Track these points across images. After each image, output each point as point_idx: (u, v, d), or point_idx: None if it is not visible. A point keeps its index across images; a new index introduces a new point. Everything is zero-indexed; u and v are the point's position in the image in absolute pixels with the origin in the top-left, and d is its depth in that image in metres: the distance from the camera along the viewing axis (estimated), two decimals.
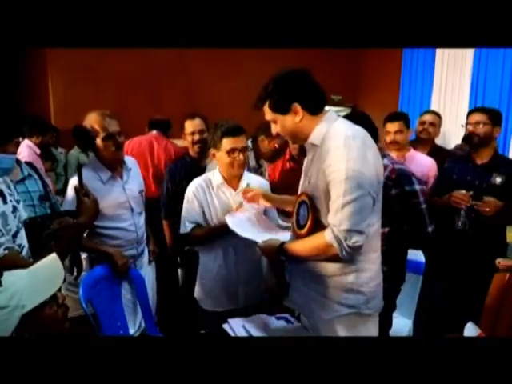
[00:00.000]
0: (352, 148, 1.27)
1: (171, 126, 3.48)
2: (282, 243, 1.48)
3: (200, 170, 2.47)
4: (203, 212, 1.90)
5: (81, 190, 1.66)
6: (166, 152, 3.14)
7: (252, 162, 2.46)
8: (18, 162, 1.92)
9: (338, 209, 1.27)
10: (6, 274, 1.01)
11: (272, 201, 1.85)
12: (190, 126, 2.51)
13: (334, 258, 1.34)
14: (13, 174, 1.85)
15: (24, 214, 1.61)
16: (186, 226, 1.90)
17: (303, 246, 1.43)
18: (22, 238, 1.50)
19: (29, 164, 2.02)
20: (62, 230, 1.62)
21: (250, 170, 2.41)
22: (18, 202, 1.58)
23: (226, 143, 1.80)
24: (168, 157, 3.12)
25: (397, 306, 2.37)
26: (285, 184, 2.54)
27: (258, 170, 2.52)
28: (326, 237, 1.30)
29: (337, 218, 1.28)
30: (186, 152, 2.61)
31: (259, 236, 1.63)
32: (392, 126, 2.59)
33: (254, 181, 1.98)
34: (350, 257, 1.31)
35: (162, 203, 2.49)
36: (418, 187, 1.86)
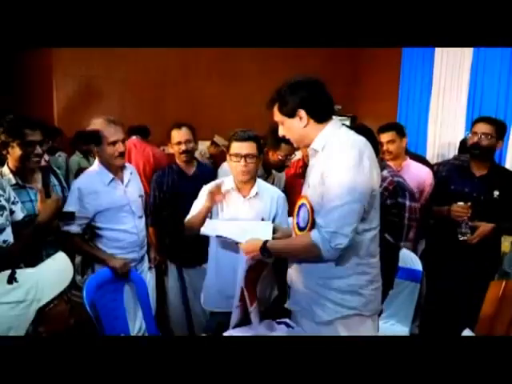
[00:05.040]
0: (348, 156, 1.33)
1: (150, 132, 3.84)
2: (266, 241, 1.51)
3: (187, 178, 2.53)
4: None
5: (43, 190, 1.73)
6: (145, 156, 3.32)
7: (260, 171, 2.52)
8: (41, 168, 2.00)
9: (327, 211, 1.34)
10: (20, 271, 1.07)
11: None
12: (177, 136, 2.50)
13: (334, 261, 1.40)
14: (34, 181, 1.95)
15: (20, 214, 1.70)
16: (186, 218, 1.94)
17: (288, 245, 1.50)
18: (8, 235, 1.59)
19: (51, 169, 2.09)
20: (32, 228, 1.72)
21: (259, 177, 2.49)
22: (13, 203, 1.68)
23: (232, 147, 1.86)
24: (146, 161, 3.30)
25: (394, 313, 2.40)
26: (296, 189, 2.63)
27: (266, 179, 2.57)
28: (312, 237, 1.36)
29: (324, 219, 1.34)
30: (166, 161, 2.65)
31: (241, 235, 1.65)
32: (384, 136, 2.64)
33: (264, 189, 1.97)
34: (332, 258, 1.37)
35: (149, 211, 2.52)
36: (407, 203, 1.94)
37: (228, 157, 1.90)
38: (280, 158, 2.40)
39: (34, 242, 1.74)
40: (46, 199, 1.76)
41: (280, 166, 2.50)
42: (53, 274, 1.11)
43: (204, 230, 1.76)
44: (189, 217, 1.93)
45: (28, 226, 1.73)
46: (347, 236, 1.33)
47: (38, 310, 1.04)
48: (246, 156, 1.82)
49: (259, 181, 1.99)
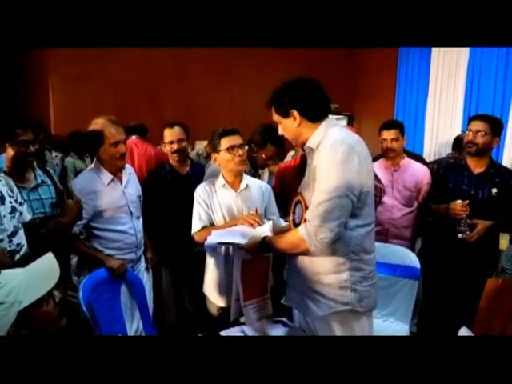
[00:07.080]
0: (337, 152, 1.35)
1: (148, 130, 3.73)
2: (264, 237, 1.57)
3: (180, 177, 2.52)
4: (207, 212, 2.00)
5: (64, 191, 1.70)
6: (146, 156, 3.20)
7: (247, 167, 2.55)
8: (33, 168, 1.97)
9: (314, 206, 1.36)
10: (3, 271, 1.03)
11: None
12: (169, 135, 2.49)
13: (328, 257, 1.42)
14: (27, 181, 1.91)
15: (28, 215, 1.65)
16: (195, 226, 1.99)
17: (281, 240, 1.52)
18: (21, 238, 1.55)
19: (43, 169, 2.07)
20: (52, 230, 1.67)
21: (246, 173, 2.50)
22: (21, 204, 1.62)
23: (225, 142, 1.92)
24: (148, 160, 3.18)
25: (393, 311, 2.40)
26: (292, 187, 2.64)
27: (254, 175, 2.59)
28: (300, 231, 1.40)
29: (311, 214, 1.37)
30: (167, 160, 2.64)
31: (243, 238, 1.69)
32: (388, 134, 2.64)
33: (253, 183, 2.08)
34: (319, 252, 1.39)
35: (142, 210, 2.51)
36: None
37: (219, 154, 1.95)
38: (263, 157, 2.43)
39: (54, 244, 1.67)
40: (68, 200, 1.71)
41: (264, 165, 2.55)
42: (38, 275, 1.07)
43: (208, 242, 1.79)
44: (197, 229, 1.97)
45: (36, 228, 1.67)
46: (332, 230, 1.34)
47: (21, 312, 1.00)
48: (239, 146, 1.93)
49: (245, 175, 2.08)
